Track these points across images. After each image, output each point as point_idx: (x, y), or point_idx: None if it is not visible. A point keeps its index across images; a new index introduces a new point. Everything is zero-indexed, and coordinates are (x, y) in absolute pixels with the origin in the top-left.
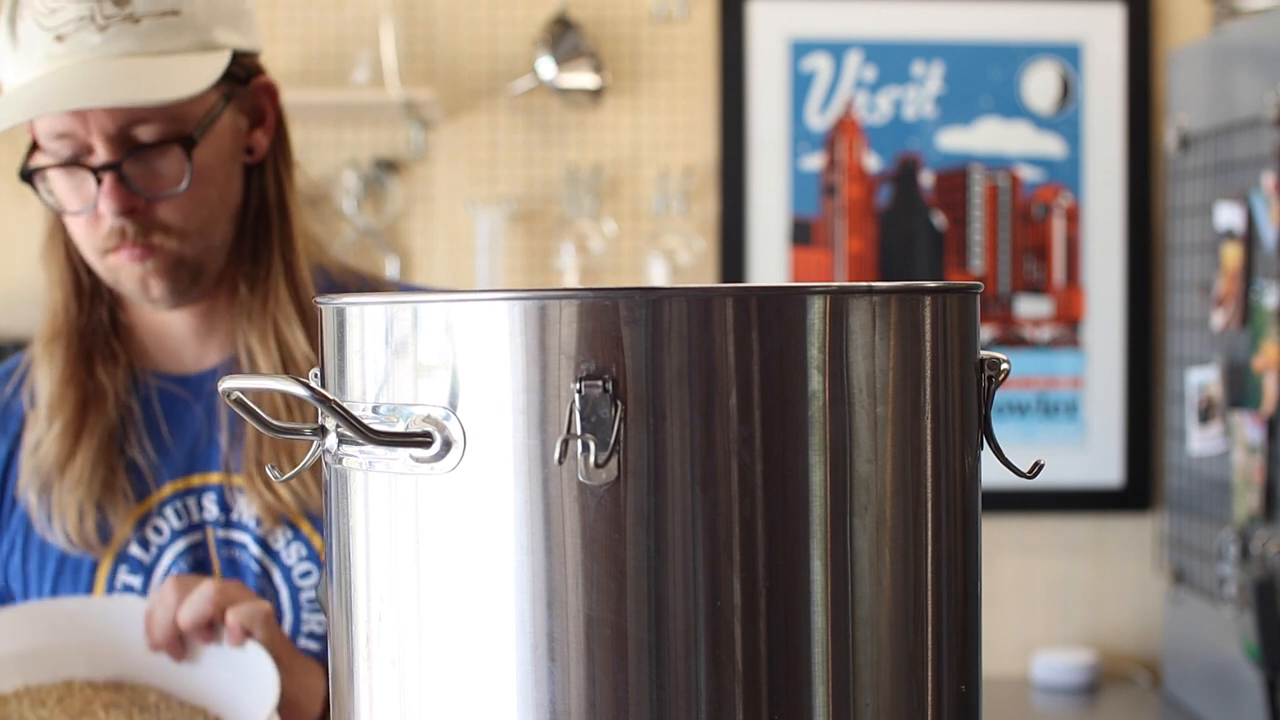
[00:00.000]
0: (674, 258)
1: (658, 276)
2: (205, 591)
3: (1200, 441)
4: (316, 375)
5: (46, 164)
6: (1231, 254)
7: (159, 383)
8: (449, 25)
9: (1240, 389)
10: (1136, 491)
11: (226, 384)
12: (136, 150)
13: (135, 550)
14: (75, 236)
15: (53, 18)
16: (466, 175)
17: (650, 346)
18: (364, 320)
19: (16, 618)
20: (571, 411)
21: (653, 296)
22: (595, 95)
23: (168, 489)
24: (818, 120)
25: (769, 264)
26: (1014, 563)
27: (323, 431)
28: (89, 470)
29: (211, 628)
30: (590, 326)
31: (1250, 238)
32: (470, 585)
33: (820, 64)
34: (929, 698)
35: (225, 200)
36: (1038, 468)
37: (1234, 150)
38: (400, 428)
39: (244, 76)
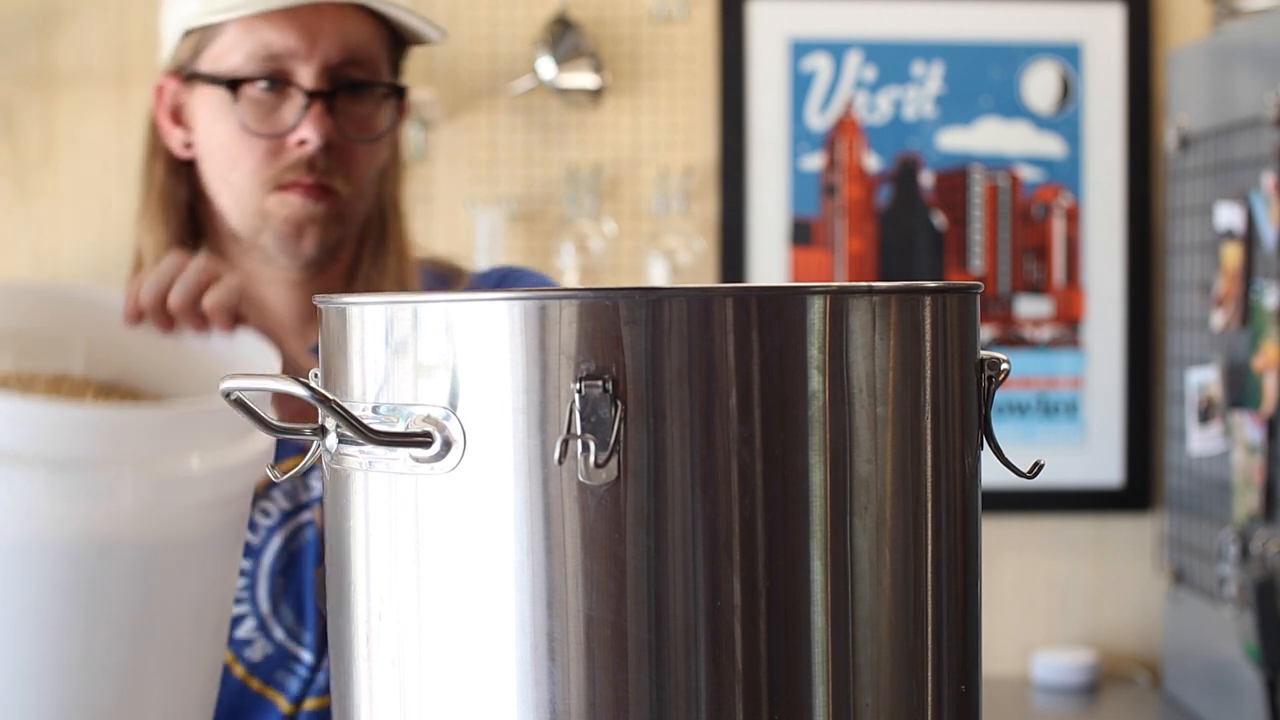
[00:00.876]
0: (674, 258)
1: (658, 276)
2: (197, 264)
3: (1200, 441)
4: (316, 375)
5: (256, 75)
6: (1231, 254)
7: None
8: (449, 25)
9: (1240, 389)
10: (1136, 491)
11: (226, 384)
12: (350, 86)
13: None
14: (241, 168)
15: None
16: (466, 175)
17: (650, 346)
18: (364, 320)
19: (13, 292)
20: (571, 411)
21: (653, 296)
22: (595, 95)
23: (276, 470)
24: (818, 120)
25: (769, 264)
26: (1014, 563)
27: (323, 431)
28: None
29: (203, 317)
30: (590, 326)
31: (1250, 238)
32: (470, 585)
33: (820, 64)
34: (929, 698)
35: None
36: (1038, 468)
37: (1234, 150)
38: (400, 428)
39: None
